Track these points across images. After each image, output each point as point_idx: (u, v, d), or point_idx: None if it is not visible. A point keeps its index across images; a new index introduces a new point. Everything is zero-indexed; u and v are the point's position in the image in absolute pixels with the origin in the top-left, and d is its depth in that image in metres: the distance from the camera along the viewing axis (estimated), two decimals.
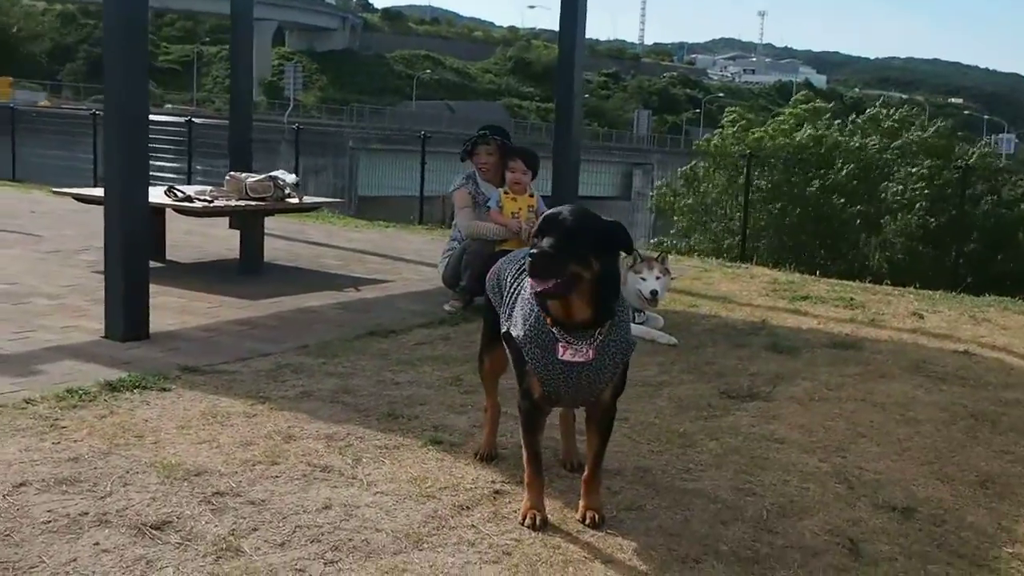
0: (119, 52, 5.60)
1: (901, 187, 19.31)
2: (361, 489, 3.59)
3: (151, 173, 5.77)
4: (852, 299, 8.37)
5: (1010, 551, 3.53)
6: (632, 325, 6.38)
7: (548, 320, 3.24)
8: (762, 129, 23.95)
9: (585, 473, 3.51)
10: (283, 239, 10.27)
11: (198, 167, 19.19)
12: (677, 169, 24.35)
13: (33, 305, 6.40)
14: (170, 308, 6.54)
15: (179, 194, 7.47)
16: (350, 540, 3.18)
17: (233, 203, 7.61)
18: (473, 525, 3.35)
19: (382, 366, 5.31)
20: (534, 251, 3.06)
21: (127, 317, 5.54)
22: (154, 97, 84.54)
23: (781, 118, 24.94)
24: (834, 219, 19.54)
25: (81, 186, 9.96)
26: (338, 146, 48.64)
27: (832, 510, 3.74)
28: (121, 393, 4.56)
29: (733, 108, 28.54)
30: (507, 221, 6.76)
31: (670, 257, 7.81)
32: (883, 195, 19.47)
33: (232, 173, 7.93)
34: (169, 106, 71.70)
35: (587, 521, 3.43)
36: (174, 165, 19.05)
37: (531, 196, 6.84)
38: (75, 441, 3.88)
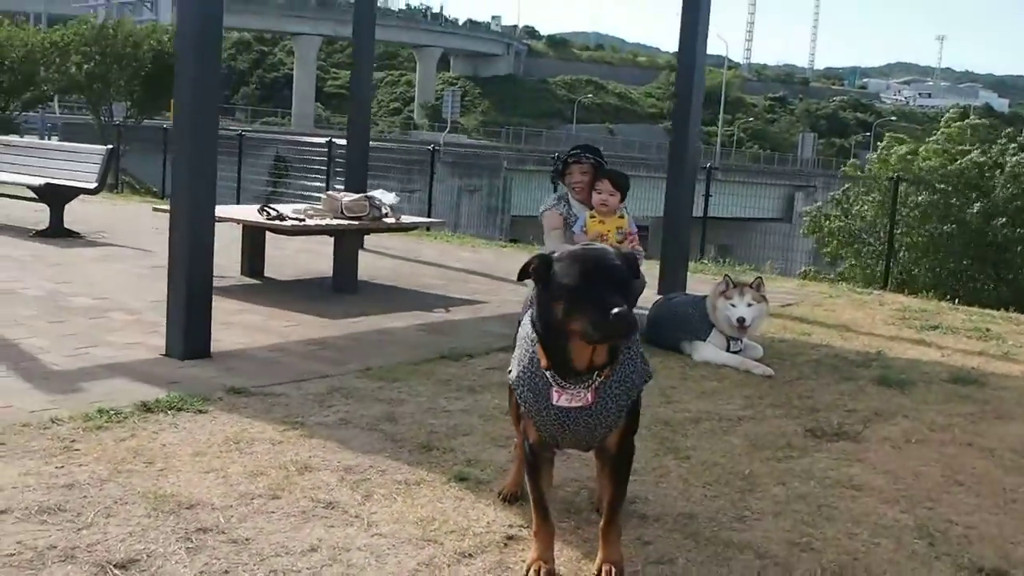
0: (189, 65, 5.46)
1: None
2: (360, 529, 3.26)
3: (296, 192, 5.51)
4: (988, 329, 7.64)
5: None
6: (725, 354, 5.97)
7: (544, 363, 2.91)
8: (909, 147, 22.69)
9: (601, 522, 3.10)
10: (392, 258, 10.11)
11: (338, 186, 19.36)
12: (830, 193, 23.34)
13: (108, 320, 6.34)
14: (246, 326, 6.39)
15: (271, 212, 7.34)
16: None
17: (325, 222, 7.44)
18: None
19: (440, 392, 5.00)
20: (621, 310, 2.67)
21: (187, 335, 5.38)
22: (320, 120, 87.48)
23: (934, 137, 23.59)
24: (995, 242, 18.28)
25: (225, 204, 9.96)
26: (493, 168, 48.91)
27: (903, 571, 3.23)
28: (153, 414, 4.36)
29: (895, 134, 27.24)
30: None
31: (780, 281, 7.26)
32: None
33: (329, 192, 7.78)
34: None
35: (602, 575, 3.01)
36: (316, 184, 19.34)
37: (621, 217, 6.41)
38: (80, 465, 3.68)
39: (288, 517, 3.33)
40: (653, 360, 5.91)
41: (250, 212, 7.52)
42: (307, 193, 18.49)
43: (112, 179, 27.19)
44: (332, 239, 8.33)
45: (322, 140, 20.35)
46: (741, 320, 5.94)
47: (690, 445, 4.34)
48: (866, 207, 19.67)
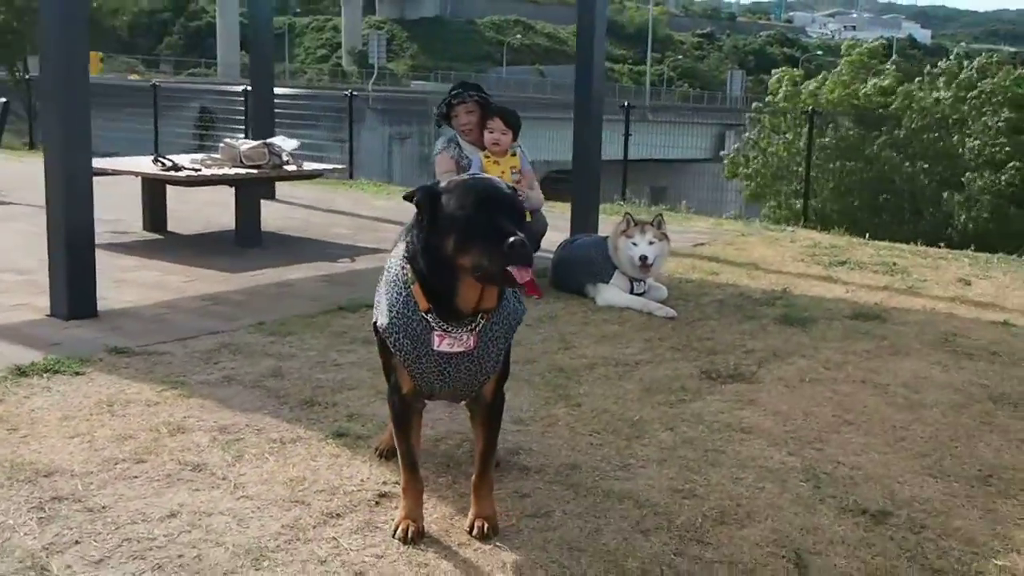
0: (55, 16, 5.18)
1: (978, 142, 18.11)
2: (225, 492, 3.15)
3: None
4: (895, 264, 7.66)
5: (1000, 563, 2.96)
6: (628, 297, 5.90)
7: (423, 306, 2.74)
8: (816, 82, 22.72)
9: (473, 476, 3.01)
10: (304, 207, 9.91)
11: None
12: (744, 135, 23.33)
13: None
14: (141, 283, 6.19)
15: (166, 163, 7.10)
16: (180, 557, 2.73)
17: (222, 171, 7.22)
18: (335, 538, 2.88)
19: (332, 344, 4.87)
20: (517, 238, 2.54)
21: (71, 294, 5.19)
22: (248, 69, 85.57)
23: (838, 69, 23.64)
24: (907, 179, 18.42)
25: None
26: (422, 113, 48.35)
27: (785, 515, 3.18)
28: (27, 378, 4.19)
29: (789, 70, 27.13)
30: None
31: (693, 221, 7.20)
32: (960, 151, 18.27)
33: (227, 140, 7.54)
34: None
35: (475, 532, 2.93)
36: (242, 137, 18.96)
37: (514, 155, 6.32)
38: None
39: (151, 482, 3.20)
40: (556, 305, 5.86)
41: (146, 164, 7.27)
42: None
43: (28, 136, 26.49)
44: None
45: (239, 89, 19.87)
46: (644, 259, 5.87)
47: (583, 392, 4.27)
48: (780, 145, 19.68)
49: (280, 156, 7.46)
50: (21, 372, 4.25)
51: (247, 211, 7.42)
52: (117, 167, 7.25)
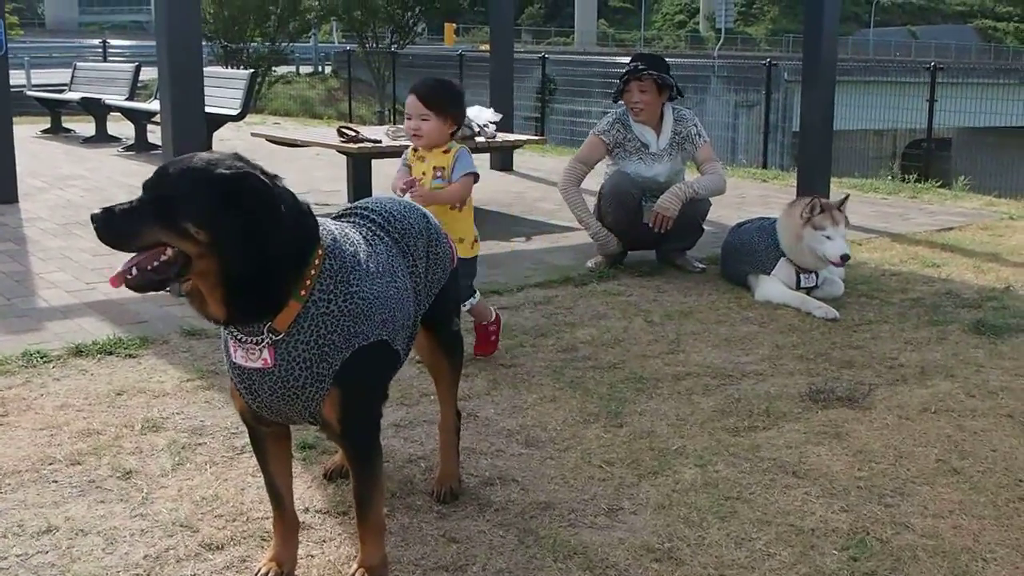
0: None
1: None
2: (129, 507, 2.85)
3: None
4: None
5: None
6: (789, 293, 5.06)
7: None
8: None
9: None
10: (534, 181, 9.53)
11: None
12: None
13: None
14: None
15: (349, 133, 6.96)
16: None
17: (399, 143, 6.98)
18: (191, 575, 2.50)
19: None
20: (95, 211, 2.12)
21: None
22: (606, 38, 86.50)
23: None
24: None
25: None
26: (773, 79, 46.65)
27: None
28: (78, 359, 4.12)
29: None
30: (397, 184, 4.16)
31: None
32: None
33: None
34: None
35: None
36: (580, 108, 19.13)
37: (446, 152, 4.13)
38: None
39: (65, 488, 2.96)
40: (707, 297, 5.15)
41: (328, 134, 7.16)
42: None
43: (380, 105, 27.92)
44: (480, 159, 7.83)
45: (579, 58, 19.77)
46: (846, 257, 5.02)
47: (639, 410, 3.63)
48: None
49: (470, 127, 7.12)
50: (77, 352, 4.18)
51: None
52: (305, 138, 7.20)
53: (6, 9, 7.65)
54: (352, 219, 2.59)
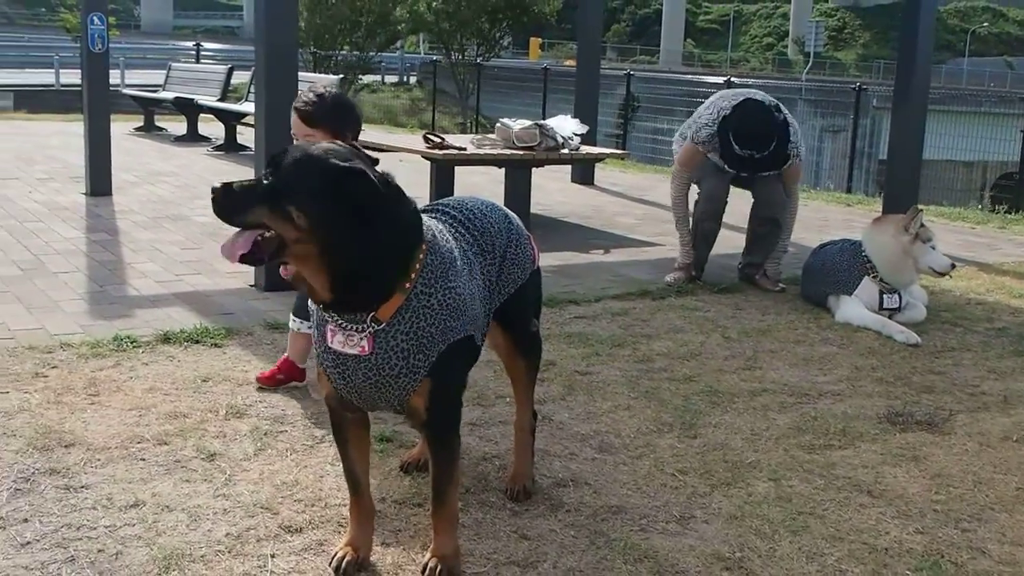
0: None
1: None
2: (212, 487, 2.94)
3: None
4: None
5: None
6: (869, 315, 5.02)
7: None
8: None
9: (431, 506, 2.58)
10: (614, 195, 9.55)
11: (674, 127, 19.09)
12: None
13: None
14: None
15: (433, 140, 7.04)
16: (99, 551, 2.55)
17: (483, 151, 7.05)
18: (269, 555, 2.58)
19: None
20: (215, 184, 2.21)
21: (269, 266, 5.22)
22: (691, 58, 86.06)
23: None
24: None
25: None
26: (861, 105, 46.00)
27: None
28: (166, 346, 4.24)
29: None
30: None
31: None
32: None
33: (503, 120, 7.35)
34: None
35: (426, 572, 2.50)
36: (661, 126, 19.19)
37: None
38: (24, 393, 3.59)
39: (152, 466, 3.05)
40: (786, 316, 5.13)
41: (413, 141, 7.27)
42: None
43: (462, 117, 28.14)
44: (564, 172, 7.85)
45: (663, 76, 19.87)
46: (953, 266, 5.24)
47: (713, 423, 3.63)
48: None
49: (555, 138, 7.17)
50: (165, 339, 4.30)
51: (513, 192, 7.22)
52: (388, 143, 7.31)
53: None
54: (435, 215, 2.65)
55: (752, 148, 5.44)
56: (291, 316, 3.82)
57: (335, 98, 3.54)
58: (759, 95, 5.62)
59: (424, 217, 2.49)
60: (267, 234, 2.18)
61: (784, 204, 5.80)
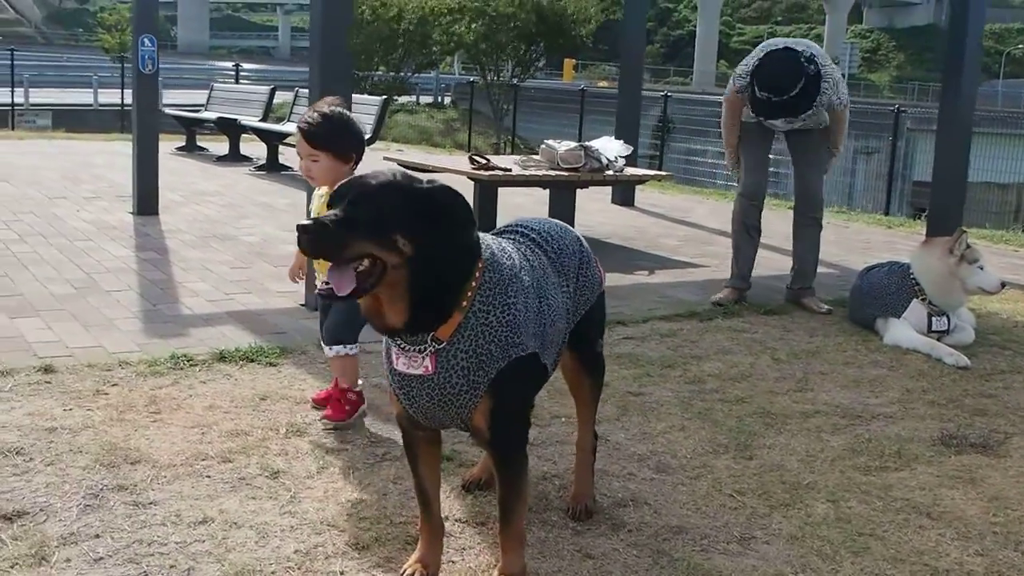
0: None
1: None
2: (278, 505, 2.98)
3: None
4: None
5: None
6: (918, 338, 5.01)
7: None
8: None
9: (499, 524, 2.61)
10: (656, 216, 9.58)
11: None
12: None
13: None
14: None
15: (479, 161, 7.10)
16: (171, 567, 2.60)
17: (529, 172, 7.10)
18: (341, 572, 2.62)
19: None
20: (304, 223, 2.23)
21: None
22: (725, 79, 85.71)
23: None
24: None
25: None
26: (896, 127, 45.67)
27: None
28: (222, 364, 4.29)
29: None
30: None
31: None
32: None
33: (548, 142, 7.40)
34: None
35: None
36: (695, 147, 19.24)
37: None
38: (87, 410, 3.65)
39: (218, 484, 3.10)
40: (834, 339, 5.13)
41: (459, 161, 7.33)
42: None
43: (496, 137, 28.20)
44: (600, 193, 7.84)
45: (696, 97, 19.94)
46: (1004, 284, 5.25)
47: (768, 444, 3.65)
48: None
49: (599, 160, 7.21)
50: (221, 357, 4.36)
51: (557, 213, 7.25)
52: (436, 164, 7.38)
53: None
54: (511, 236, 2.69)
55: (769, 92, 5.52)
56: (328, 345, 3.70)
57: (339, 120, 3.53)
58: (801, 44, 5.64)
59: (488, 236, 2.54)
60: (363, 265, 2.21)
61: (821, 204, 5.89)
